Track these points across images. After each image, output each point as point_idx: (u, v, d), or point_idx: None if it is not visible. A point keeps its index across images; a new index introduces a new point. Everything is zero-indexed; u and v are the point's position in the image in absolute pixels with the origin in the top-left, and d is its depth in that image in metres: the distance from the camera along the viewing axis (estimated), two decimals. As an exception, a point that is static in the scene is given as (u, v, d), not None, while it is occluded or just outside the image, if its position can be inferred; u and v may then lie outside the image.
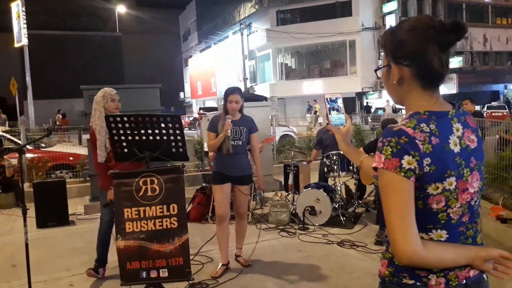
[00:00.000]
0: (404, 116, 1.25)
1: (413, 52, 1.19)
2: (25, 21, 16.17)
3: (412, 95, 1.24)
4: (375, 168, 1.17)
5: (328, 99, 1.60)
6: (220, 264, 3.86)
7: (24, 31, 16.09)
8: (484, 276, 1.25)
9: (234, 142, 3.76)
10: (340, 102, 1.60)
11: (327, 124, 1.61)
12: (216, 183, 3.82)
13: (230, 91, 3.78)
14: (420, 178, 1.13)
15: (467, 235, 1.23)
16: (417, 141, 1.12)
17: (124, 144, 2.95)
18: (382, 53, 1.32)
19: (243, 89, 22.80)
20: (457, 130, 1.19)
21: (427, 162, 1.12)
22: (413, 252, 1.10)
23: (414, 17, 1.25)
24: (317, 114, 22.90)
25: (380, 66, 1.30)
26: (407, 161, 1.11)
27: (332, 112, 1.58)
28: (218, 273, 3.76)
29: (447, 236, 1.19)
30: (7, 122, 18.21)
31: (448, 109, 1.22)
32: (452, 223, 1.18)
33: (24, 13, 16.19)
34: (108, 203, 3.82)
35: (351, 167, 5.56)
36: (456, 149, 1.16)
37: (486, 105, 22.77)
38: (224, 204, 3.80)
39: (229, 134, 3.69)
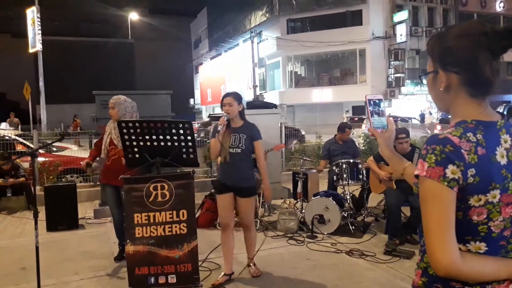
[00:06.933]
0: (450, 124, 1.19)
1: (464, 58, 1.14)
2: (39, 27, 16.42)
3: (459, 102, 1.19)
4: (417, 176, 1.13)
5: (371, 101, 1.48)
6: (223, 273, 3.81)
7: (39, 37, 16.33)
8: None
9: (232, 150, 3.59)
10: (382, 105, 1.49)
11: (369, 127, 1.49)
12: (216, 192, 3.80)
13: (225, 95, 3.71)
14: (463, 188, 1.09)
15: (508, 249, 1.17)
16: (462, 150, 1.08)
17: (136, 149, 2.97)
18: (428, 59, 1.25)
19: (252, 97, 22.99)
20: (505, 142, 1.14)
21: (471, 172, 1.08)
22: (450, 264, 1.07)
23: (462, 23, 1.20)
24: None
25: (426, 72, 1.25)
26: (451, 171, 1.07)
27: (374, 115, 1.47)
28: (218, 282, 3.70)
29: (486, 248, 1.14)
30: (20, 126, 18.48)
31: (496, 119, 1.17)
32: (493, 236, 1.14)
33: (39, 20, 16.46)
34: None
35: (360, 176, 5.53)
36: (503, 161, 1.12)
37: None
38: (224, 213, 3.74)
39: (220, 140, 3.55)
